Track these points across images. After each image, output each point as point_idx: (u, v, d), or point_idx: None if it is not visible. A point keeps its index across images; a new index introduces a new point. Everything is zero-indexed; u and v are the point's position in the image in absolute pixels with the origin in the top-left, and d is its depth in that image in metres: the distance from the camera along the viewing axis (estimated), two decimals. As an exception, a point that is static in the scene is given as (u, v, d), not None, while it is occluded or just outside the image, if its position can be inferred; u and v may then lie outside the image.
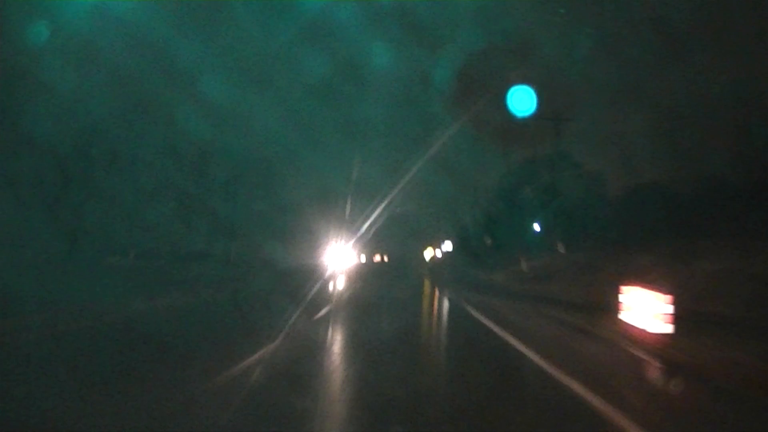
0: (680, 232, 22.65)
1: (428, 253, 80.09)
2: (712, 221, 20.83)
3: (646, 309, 7.84)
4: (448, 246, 74.19)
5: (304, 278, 21.75)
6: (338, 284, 24.32)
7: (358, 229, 34.08)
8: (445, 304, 16.94)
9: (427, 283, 28.43)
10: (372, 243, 63.50)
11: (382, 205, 32.63)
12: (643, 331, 7.76)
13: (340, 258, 34.52)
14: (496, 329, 9.88)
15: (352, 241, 35.76)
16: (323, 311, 11.93)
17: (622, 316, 8.57)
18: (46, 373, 5.73)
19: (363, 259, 72.46)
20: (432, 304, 17.09)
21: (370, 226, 34.32)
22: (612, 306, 9.19)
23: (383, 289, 22.71)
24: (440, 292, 21.40)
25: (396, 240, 72.92)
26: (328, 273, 28.43)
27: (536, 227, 39.84)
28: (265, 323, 9.49)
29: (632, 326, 8.17)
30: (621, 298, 8.69)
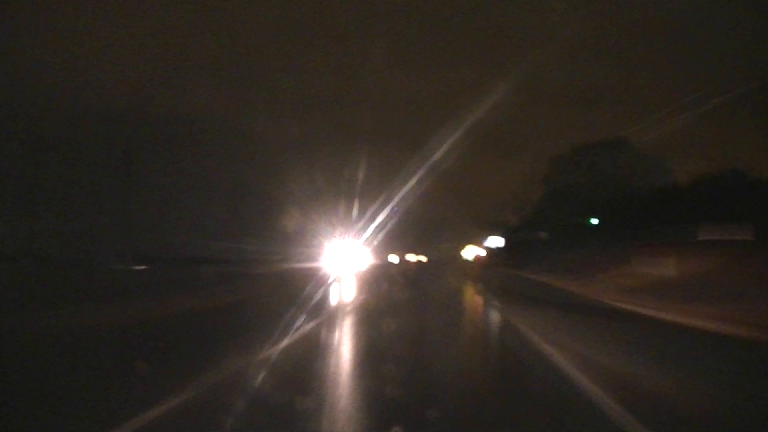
0: None
1: (470, 251, 69.05)
2: None
3: None
4: (494, 242, 62.58)
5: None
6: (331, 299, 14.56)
7: (378, 225, 25.57)
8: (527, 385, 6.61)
9: (476, 304, 18.03)
10: (406, 241, 54.11)
11: (400, 192, 24.06)
12: None
13: (348, 258, 25.24)
14: None
15: (365, 238, 26.68)
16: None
17: None
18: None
19: (396, 258, 62.80)
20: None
21: (393, 220, 25.71)
22: None
23: (398, 319, 12.71)
24: (502, 335, 10.98)
25: (431, 238, 62.85)
26: (327, 280, 19.25)
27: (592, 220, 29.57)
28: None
29: None
30: None
